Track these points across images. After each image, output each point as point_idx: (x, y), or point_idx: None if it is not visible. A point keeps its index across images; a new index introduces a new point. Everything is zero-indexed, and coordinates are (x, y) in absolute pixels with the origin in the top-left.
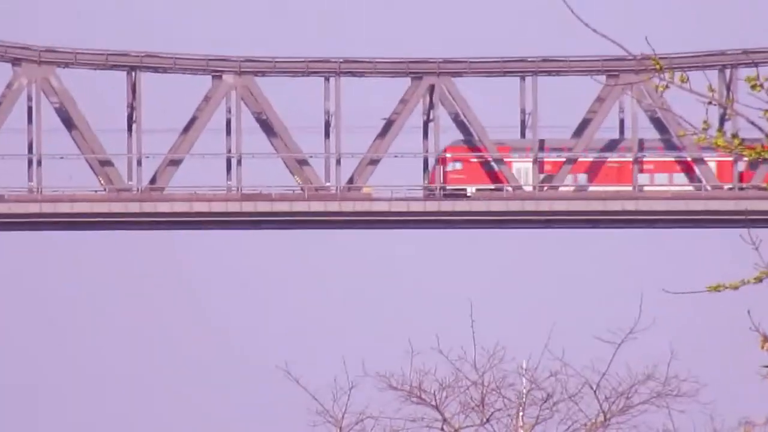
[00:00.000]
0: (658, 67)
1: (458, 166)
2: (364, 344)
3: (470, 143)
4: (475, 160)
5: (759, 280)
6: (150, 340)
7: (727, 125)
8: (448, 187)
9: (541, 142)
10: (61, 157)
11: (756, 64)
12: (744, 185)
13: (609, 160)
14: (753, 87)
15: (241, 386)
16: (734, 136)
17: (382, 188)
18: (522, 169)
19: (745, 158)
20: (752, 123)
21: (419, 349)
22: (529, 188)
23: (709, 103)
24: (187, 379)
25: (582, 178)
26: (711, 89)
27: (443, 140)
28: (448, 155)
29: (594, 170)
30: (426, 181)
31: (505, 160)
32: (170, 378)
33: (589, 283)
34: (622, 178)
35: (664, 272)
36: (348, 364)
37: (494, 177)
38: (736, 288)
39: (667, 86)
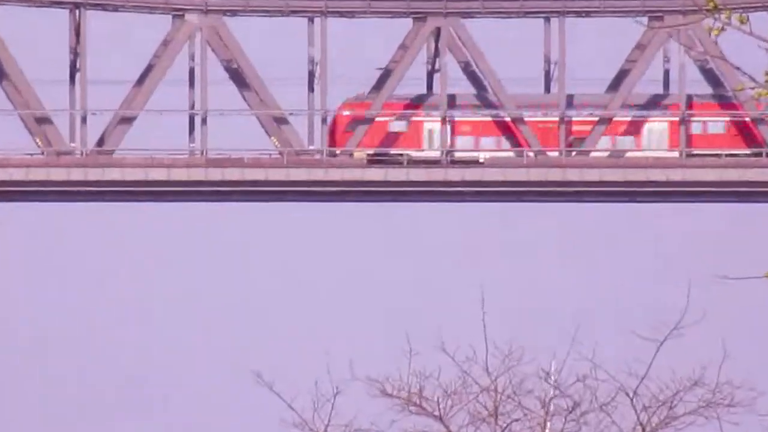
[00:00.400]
0: (711, 5)
1: (359, 125)
2: (352, 341)
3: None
4: (383, 119)
5: None
6: (94, 334)
7: None
8: (457, 154)
9: (569, 97)
10: None
11: None
12: None
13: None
14: None
15: (207, 392)
16: None
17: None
18: (433, 130)
19: None
20: None
21: (419, 349)
22: (554, 153)
23: None
24: (138, 384)
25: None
26: None
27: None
28: (345, 113)
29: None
30: (324, 144)
31: (413, 119)
32: (115, 382)
33: (625, 268)
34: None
35: (717, 255)
36: (333, 365)
37: (393, 140)
38: None
39: (722, 29)
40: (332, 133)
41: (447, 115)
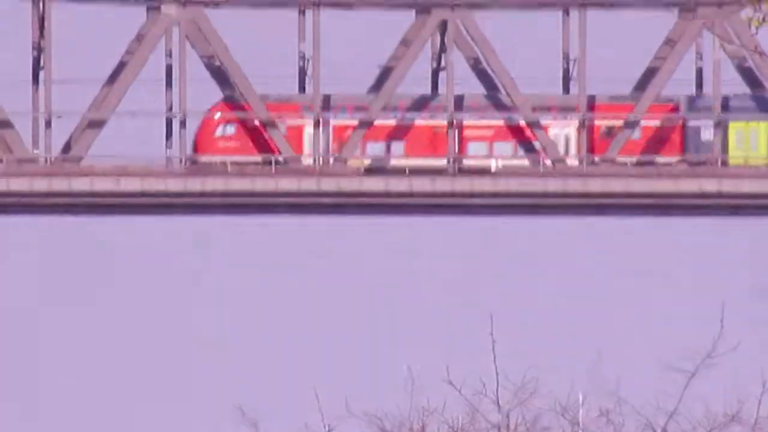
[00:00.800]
0: None
1: (230, 130)
2: (349, 374)
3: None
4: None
5: None
6: (60, 361)
7: None
8: (465, 161)
9: (591, 98)
10: None
11: None
12: None
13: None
14: None
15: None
16: None
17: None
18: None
19: None
20: None
21: (422, 381)
22: (573, 161)
23: None
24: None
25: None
26: None
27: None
28: (218, 115)
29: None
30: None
31: (290, 123)
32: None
33: (652, 291)
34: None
35: (755, 277)
36: (326, 399)
37: (265, 146)
38: None
39: (764, 20)
40: (197, 137)
41: (323, 117)
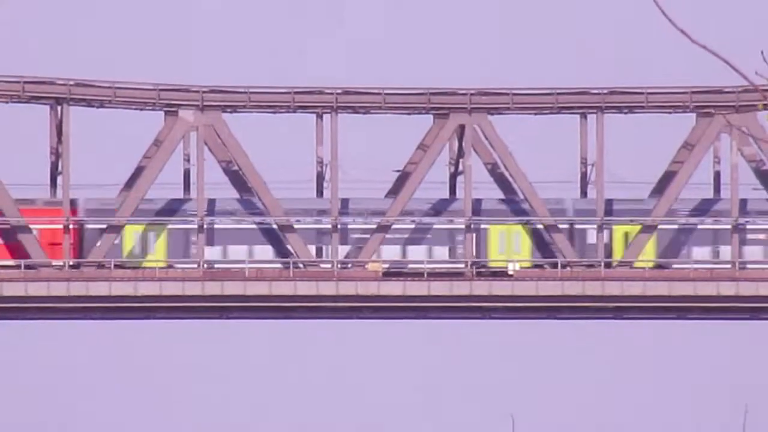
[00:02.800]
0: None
1: None
2: None
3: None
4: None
5: None
6: None
7: None
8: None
9: (609, 202)
10: None
11: None
12: None
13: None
14: None
15: None
16: None
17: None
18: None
19: None
20: None
21: None
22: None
23: None
24: None
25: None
26: None
27: (477, 197)
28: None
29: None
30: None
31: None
32: None
33: (673, 394)
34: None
35: None
36: None
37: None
38: None
39: None
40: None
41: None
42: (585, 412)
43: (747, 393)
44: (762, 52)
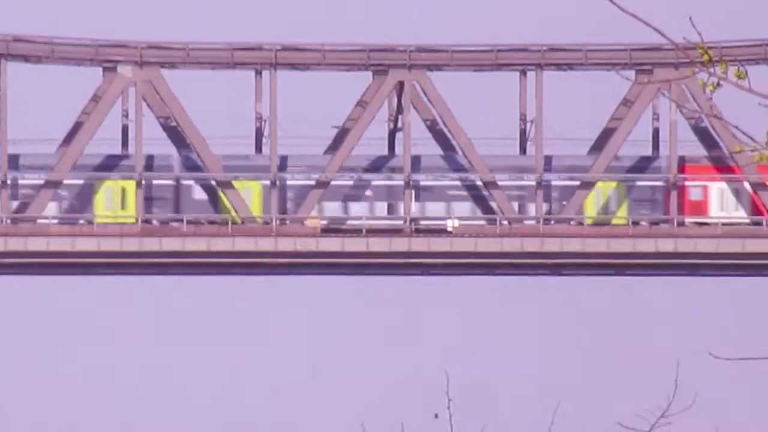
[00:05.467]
0: (706, 58)
1: None
2: (301, 425)
3: None
4: None
5: None
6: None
7: None
8: (422, 221)
9: (548, 158)
10: None
11: None
12: None
13: (639, 183)
14: None
15: None
16: None
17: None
18: None
19: None
20: None
21: None
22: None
23: None
24: None
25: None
26: None
27: (416, 153)
28: None
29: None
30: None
31: None
32: None
33: (608, 350)
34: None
35: (712, 335)
36: None
37: None
38: None
39: (718, 84)
40: None
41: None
42: (522, 369)
43: (681, 349)
44: (690, 18)
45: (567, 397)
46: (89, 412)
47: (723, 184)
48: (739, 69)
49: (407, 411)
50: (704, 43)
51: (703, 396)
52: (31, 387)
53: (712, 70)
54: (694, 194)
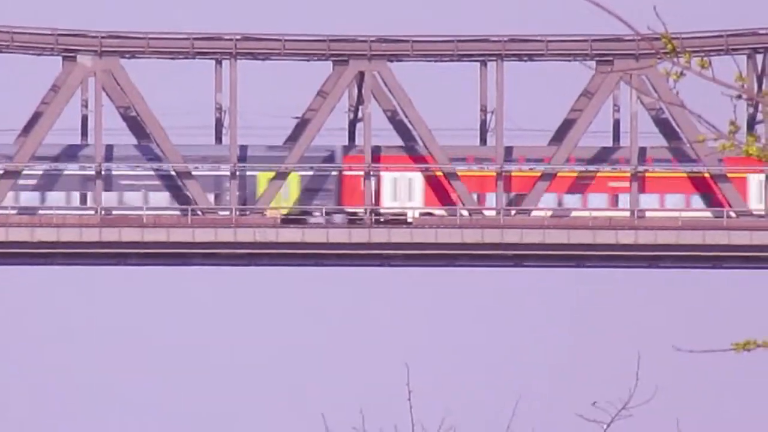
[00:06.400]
0: (669, 47)
1: None
2: (256, 425)
3: None
4: None
5: None
6: None
7: (760, 129)
8: (383, 210)
9: (508, 149)
10: None
11: None
12: None
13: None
14: None
15: None
16: None
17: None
18: None
19: None
20: None
21: (336, 430)
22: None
23: (738, 96)
24: None
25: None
26: (741, 78)
27: (375, 143)
28: None
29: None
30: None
31: None
32: None
33: (570, 341)
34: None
35: (673, 326)
36: None
37: None
38: None
39: (682, 73)
40: None
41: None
42: (482, 360)
43: (642, 340)
44: (654, 7)
45: (527, 389)
46: (42, 401)
47: None
48: (702, 59)
49: (367, 402)
50: (668, 33)
51: (664, 388)
52: None
53: (676, 59)
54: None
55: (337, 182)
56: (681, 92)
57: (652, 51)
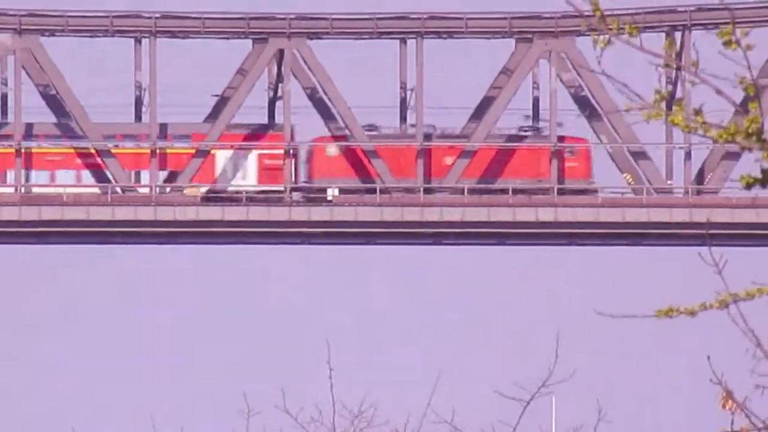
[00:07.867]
0: (598, 13)
1: None
2: (180, 401)
3: None
4: None
5: (724, 304)
6: None
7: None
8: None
9: (430, 127)
10: None
11: (717, 25)
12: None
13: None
14: (727, 44)
15: None
16: (697, 111)
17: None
18: None
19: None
20: (720, 93)
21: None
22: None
23: (665, 65)
24: None
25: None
26: (669, 46)
27: (296, 123)
28: None
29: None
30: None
31: None
32: None
33: (489, 319)
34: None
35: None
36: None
37: None
38: (693, 314)
39: (609, 41)
40: None
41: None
42: (403, 338)
43: (565, 320)
44: None
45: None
46: None
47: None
48: (631, 26)
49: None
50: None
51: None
52: None
53: (603, 26)
54: None
55: None
56: (606, 66)
57: (572, 28)
